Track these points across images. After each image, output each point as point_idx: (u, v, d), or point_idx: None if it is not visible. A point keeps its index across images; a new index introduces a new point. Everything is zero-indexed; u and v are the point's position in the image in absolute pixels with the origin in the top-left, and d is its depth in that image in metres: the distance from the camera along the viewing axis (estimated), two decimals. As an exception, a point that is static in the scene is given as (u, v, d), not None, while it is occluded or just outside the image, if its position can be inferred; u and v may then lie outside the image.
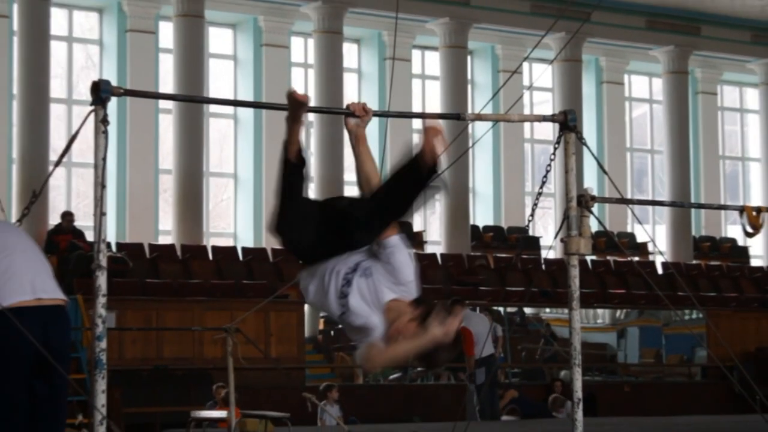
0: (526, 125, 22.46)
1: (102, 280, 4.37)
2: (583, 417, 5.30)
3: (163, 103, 19.18)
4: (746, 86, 25.59)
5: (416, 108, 21.32)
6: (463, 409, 13.43)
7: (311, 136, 20.58)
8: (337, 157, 19.50)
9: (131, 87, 17.27)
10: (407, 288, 4.11)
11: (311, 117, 20.56)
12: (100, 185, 4.35)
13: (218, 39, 20.46)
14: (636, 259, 21.56)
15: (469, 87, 21.82)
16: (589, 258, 19.38)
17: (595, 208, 5.48)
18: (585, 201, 5.34)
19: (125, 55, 19.00)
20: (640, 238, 22.70)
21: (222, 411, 11.34)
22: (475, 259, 19.83)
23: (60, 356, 4.57)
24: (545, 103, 23.07)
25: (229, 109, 20.40)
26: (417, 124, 21.74)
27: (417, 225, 20.74)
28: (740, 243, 23.83)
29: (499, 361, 15.37)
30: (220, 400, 12.95)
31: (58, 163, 5.36)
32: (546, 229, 23.18)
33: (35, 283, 4.61)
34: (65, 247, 15.95)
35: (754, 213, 6.15)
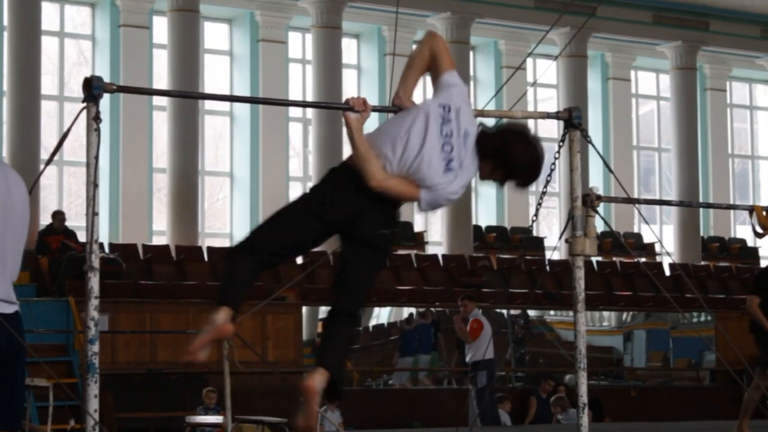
0: (530, 122, 22.20)
1: (94, 281, 4.36)
2: (588, 422, 5.24)
3: (157, 100, 19.14)
4: (756, 82, 25.67)
5: (417, 104, 21.30)
6: (465, 414, 13.30)
7: (309, 134, 20.41)
8: (336, 154, 19.32)
9: (124, 83, 17.24)
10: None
11: (309, 114, 20.41)
12: (92, 184, 4.34)
13: (214, 34, 20.43)
14: (643, 260, 21.55)
15: (472, 83, 21.79)
16: (594, 259, 19.22)
17: (600, 208, 5.42)
18: (590, 200, 5.27)
19: (118, 50, 18.96)
20: (647, 238, 22.62)
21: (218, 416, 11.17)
22: (478, 260, 19.70)
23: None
24: (549, 99, 23.05)
25: (224, 106, 20.34)
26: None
27: (418, 225, 20.59)
28: (750, 244, 23.74)
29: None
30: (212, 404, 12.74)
31: (49, 162, 5.30)
32: (550, 229, 23.14)
33: None
34: (57, 248, 15.85)
35: (764, 213, 6.07)
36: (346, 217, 4.41)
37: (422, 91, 20.57)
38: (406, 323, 17.00)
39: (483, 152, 4.45)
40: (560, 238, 5.37)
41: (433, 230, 21.35)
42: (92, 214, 4.32)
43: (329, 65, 19.58)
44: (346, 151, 16.50)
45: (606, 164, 5.89)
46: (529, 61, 21.78)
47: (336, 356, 4.46)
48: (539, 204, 5.66)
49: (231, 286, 4.43)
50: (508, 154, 4.42)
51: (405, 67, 4.52)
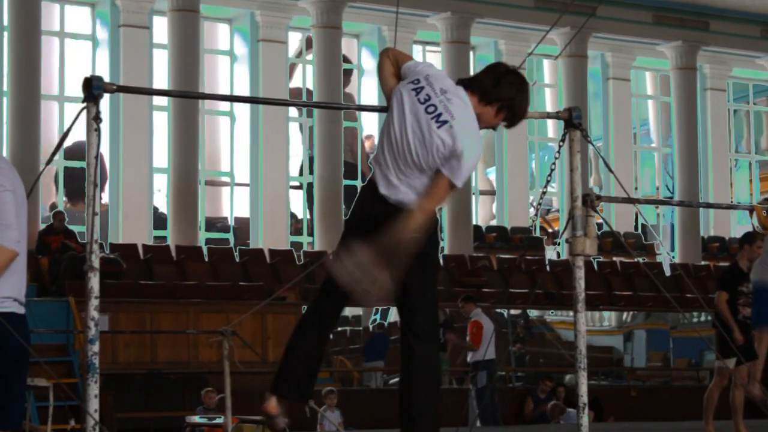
0: (530, 122, 22.24)
1: (94, 281, 4.35)
2: (589, 422, 5.20)
3: (158, 100, 19.11)
4: (756, 82, 25.41)
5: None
6: (465, 414, 13.27)
7: (309, 134, 20.36)
8: (336, 154, 19.30)
9: (125, 83, 17.17)
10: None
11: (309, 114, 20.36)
12: (92, 184, 4.32)
13: (214, 34, 20.44)
14: (643, 260, 21.37)
15: (472, 83, 21.60)
16: (594, 259, 19.13)
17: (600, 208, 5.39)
18: (590, 200, 5.24)
19: (118, 50, 18.93)
20: (647, 238, 22.38)
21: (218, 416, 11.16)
22: (478, 260, 19.66)
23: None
24: (549, 99, 22.93)
25: (225, 106, 20.32)
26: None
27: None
28: (750, 243, 23.55)
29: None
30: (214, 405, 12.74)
31: (49, 161, 5.14)
32: (550, 229, 23.00)
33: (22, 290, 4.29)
34: (57, 248, 15.79)
35: (764, 212, 5.98)
36: (374, 227, 4.33)
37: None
38: (377, 328, 17.06)
39: (488, 97, 4.45)
40: (560, 237, 5.35)
41: (433, 230, 21.30)
42: (92, 214, 4.31)
43: (329, 65, 19.54)
44: (346, 151, 16.56)
45: (606, 164, 5.89)
46: (529, 61, 21.74)
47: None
48: (539, 204, 5.65)
49: (289, 369, 4.46)
50: (514, 96, 4.46)
51: (380, 81, 4.57)
